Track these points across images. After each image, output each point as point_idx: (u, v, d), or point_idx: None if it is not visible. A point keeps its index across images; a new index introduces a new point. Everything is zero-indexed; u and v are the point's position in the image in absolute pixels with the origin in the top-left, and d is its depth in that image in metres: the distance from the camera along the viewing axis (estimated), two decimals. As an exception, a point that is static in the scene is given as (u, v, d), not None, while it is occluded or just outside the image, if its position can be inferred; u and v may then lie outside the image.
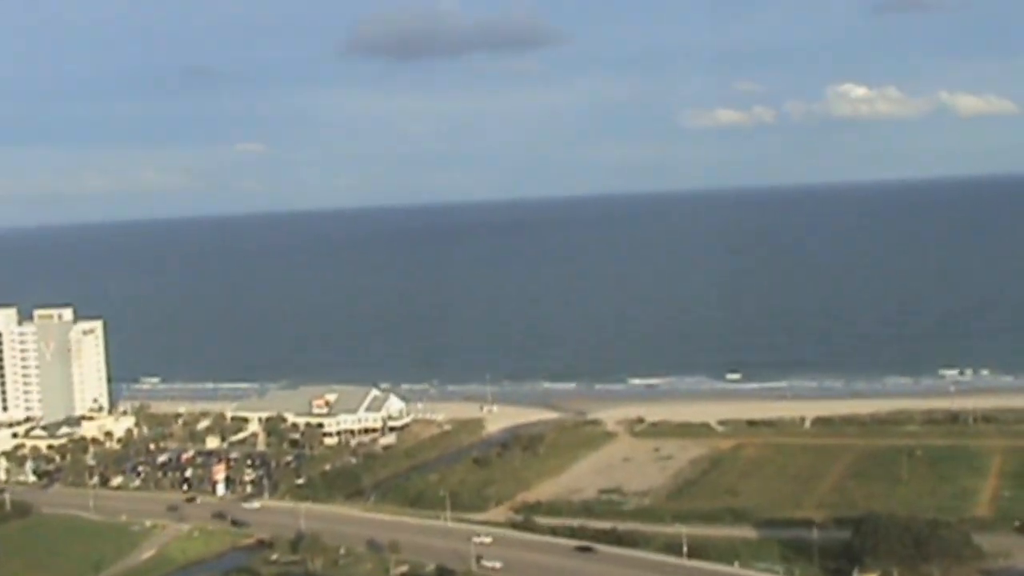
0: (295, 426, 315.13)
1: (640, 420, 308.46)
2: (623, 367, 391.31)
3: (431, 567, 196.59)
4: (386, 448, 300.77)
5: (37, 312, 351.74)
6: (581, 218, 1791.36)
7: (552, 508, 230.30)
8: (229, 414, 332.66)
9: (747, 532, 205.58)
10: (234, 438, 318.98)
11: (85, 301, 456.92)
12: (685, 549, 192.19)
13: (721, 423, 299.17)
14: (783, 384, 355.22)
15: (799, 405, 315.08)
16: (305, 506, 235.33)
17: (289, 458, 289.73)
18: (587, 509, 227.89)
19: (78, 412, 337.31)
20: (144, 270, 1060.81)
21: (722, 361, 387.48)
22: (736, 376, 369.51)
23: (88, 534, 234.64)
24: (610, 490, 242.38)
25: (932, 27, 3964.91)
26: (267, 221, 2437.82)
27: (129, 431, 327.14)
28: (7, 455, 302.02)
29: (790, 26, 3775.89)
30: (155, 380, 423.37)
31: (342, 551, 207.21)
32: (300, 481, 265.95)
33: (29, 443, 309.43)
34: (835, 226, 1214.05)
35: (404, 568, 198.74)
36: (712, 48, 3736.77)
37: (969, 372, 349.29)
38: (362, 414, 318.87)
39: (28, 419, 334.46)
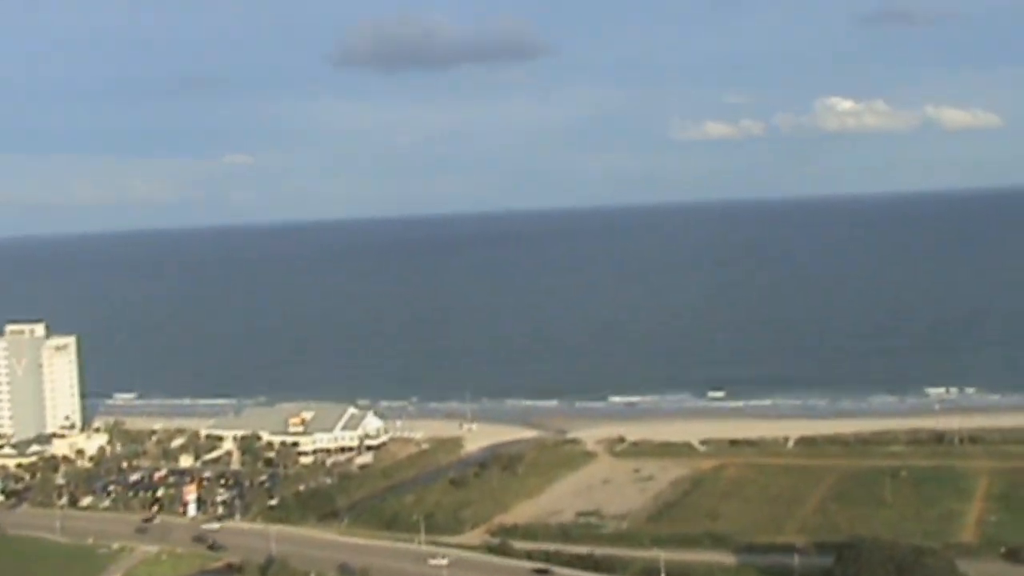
0: (270, 445, 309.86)
1: (621, 439, 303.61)
2: (605, 384, 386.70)
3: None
4: (362, 467, 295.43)
5: (8, 328, 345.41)
6: (569, 230, 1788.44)
7: (529, 531, 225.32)
8: (203, 432, 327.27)
9: (727, 558, 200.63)
10: (208, 457, 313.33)
11: (63, 314, 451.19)
12: (663, 575, 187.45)
13: (703, 443, 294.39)
14: (767, 402, 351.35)
15: (783, 424, 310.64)
16: (276, 528, 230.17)
17: (263, 478, 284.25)
18: (564, 533, 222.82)
19: (49, 430, 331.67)
20: (126, 282, 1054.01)
21: (705, 378, 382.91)
22: (719, 394, 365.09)
23: (53, 557, 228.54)
24: (588, 512, 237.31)
25: (918, 41, 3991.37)
26: (256, 232, 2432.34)
27: (102, 449, 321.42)
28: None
29: (778, 39, 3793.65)
30: (131, 396, 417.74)
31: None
32: (273, 502, 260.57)
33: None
34: (823, 238, 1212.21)
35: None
36: (700, 61, 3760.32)
37: (955, 390, 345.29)
38: (338, 433, 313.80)
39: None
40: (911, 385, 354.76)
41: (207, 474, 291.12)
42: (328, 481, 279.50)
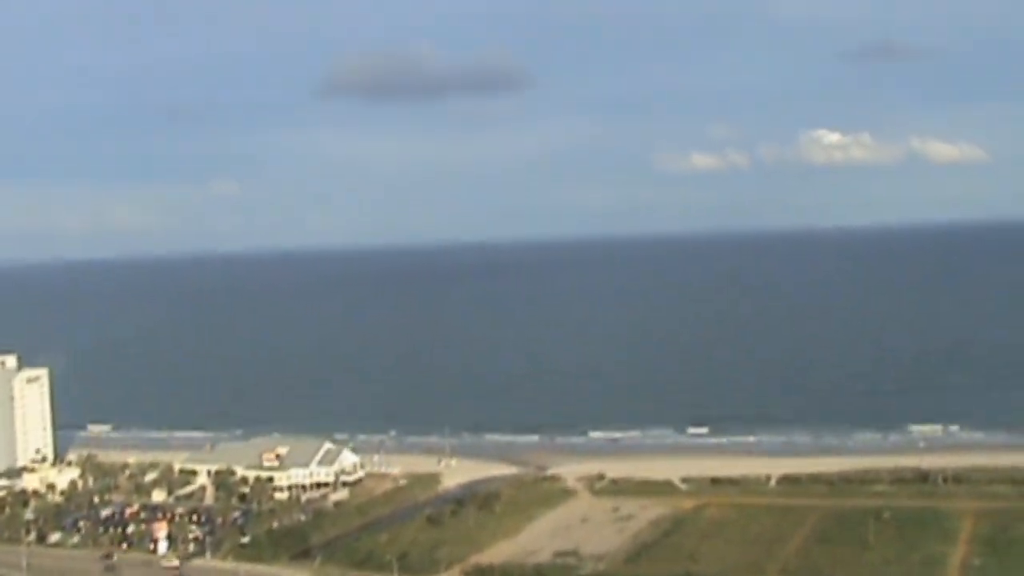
0: (245, 480, 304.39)
1: (601, 476, 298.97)
2: (586, 419, 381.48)
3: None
4: (337, 504, 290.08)
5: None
6: (553, 261, 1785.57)
7: (505, 571, 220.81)
8: (177, 466, 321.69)
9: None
10: (181, 492, 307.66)
11: (36, 345, 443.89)
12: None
13: (684, 480, 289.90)
14: (750, 438, 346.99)
15: (765, 462, 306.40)
16: (246, 567, 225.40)
17: (236, 514, 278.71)
18: (540, 573, 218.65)
19: (20, 463, 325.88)
20: (106, 311, 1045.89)
21: (688, 414, 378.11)
22: (702, 430, 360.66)
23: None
24: (566, 552, 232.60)
25: (904, 76, 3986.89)
26: (240, 260, 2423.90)
27: (73, 483, 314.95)
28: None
29: (763, 72, 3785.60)
30: (106, 427, 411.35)
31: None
32: (245, 539, 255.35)
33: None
34: (808, 271, 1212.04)
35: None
36: (686, 93, 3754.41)
37: (939, 428, 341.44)
38: (314, 468, 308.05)
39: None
40: (895, 421, 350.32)
41: (179, 510, 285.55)
42: (302, 518, 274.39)
